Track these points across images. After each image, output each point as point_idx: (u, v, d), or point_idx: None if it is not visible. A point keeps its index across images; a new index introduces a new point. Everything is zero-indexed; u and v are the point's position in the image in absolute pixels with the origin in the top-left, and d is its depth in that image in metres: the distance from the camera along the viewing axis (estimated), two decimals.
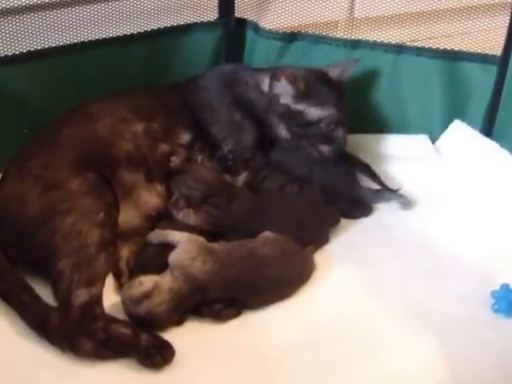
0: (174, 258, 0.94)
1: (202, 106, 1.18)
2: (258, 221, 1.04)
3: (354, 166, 1.19)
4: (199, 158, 1.13)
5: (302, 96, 1.14)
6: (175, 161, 1.11)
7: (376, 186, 1.18)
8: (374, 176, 1.18)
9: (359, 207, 1.15)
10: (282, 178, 1.15)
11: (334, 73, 1.19)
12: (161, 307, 0.89)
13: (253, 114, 1.18)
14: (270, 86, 1.17)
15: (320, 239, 1.07)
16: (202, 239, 0.98)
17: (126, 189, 1.05)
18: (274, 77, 1.15)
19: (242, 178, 1.13)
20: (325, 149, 1.14)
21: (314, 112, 1.14)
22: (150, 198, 1.08)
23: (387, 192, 1.16)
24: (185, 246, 0.95)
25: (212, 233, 1.04)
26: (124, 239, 1.02)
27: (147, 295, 0.89)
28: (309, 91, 1.14)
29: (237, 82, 1.21)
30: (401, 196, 1.15)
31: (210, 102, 1.18)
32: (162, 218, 1.07)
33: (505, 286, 0.96)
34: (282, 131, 1.16)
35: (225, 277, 0.92)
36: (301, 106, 1.15)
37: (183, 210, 1.05)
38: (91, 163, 1.02)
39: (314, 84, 1.15)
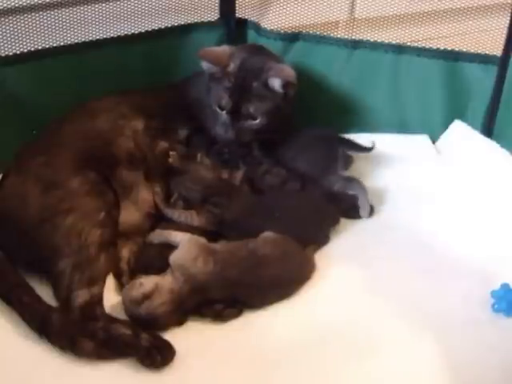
0: (174, 258, 0.94)
1: (197, 103, 1.18)
2: (259, 220, 1.04)
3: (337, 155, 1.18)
4: (198, 155, 1.14)
5: (220, 73, 1.14)
6: (174, 156, 1.11)
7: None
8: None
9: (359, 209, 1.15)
10: (282, 173, 1.15)
11: (273, 81, 1.13)
12: (161, 308, 0.89)
13: None
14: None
15: (320, 239, 1.07)
16: (202, 240, 0.97)
17: (126, 187, 1.05)
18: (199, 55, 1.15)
19: (240, 174, 1.12)
20: (216, 128, 1.15)
21: (214, 91, 1.14)
22: (150, 196, 1.08)
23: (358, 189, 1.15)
24: (186, 247, 0.95)
25: (213, 233, 1.04)
26: (124, 238, 1.02)
27: (148, 296, 0.88)
28: (231, 73, 1.13)
29: None
30: (365, 198, 1.13)
31: (203, 97, 1.18)
32: (162, 216, 1.07)
33: (505, 286, 0.96)
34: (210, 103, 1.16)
35: (226, 277, 0.92)
36: (212, 84, 1.14)
37: (185, 212, 1.05)
38: (91, 162, 1.02)
39: (239, 72, 1.13)
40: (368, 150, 1.19)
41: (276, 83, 1.12)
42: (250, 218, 1.04)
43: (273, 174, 1.15)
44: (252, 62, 1.15)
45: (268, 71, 1.13)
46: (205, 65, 1.16)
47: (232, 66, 1.14)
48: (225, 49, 1.18)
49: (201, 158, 1.13)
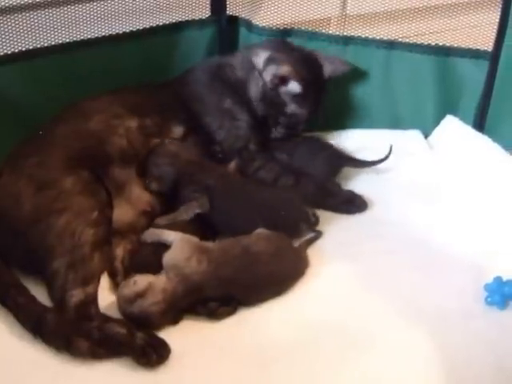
0: (168, 258, 0.94)
1: (193, 99, 1.18)
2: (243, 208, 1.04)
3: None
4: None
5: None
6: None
7: None
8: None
9: (353, 203, 1.15)
10: (276, 168, 1.15)
11: (327, 70, 1.21)
12: (154, 307, 0.88)
13: (243, 99, 1.18)
14: (274, 83, 1.17)
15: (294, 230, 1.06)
16: (195, 238, 0.97)
17: (119, 185, 1.05)
18: (283, 80, 1.17)
19: (233, 165, 1.12)
20: (280, 131, 1.20)
21: (293, 107, 1.17)
22: (143, 193, 1.07)
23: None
24: (179, 246, 0.94)
25: (207, 230, 1.03)
26: (119, 237, 1.02)
27: (140, 295, 0.88)
28: (302, 92, 1.17)
29: (222, 68, 1.22)
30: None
31: (199, 94, 1.19)
32: (157, 213, 1.07)
33: (498, 279, 0.96)
34: (258, 107, 1.19)
35: (220, 276, 0.92)
36: (287, 98, 1.17)
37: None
38: (84, 161, 1.02)
39: (310, 85, 1.17)
40: (376, 163, 1.21)
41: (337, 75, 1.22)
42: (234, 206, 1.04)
43: (266, 170, 1.15)
44: (309, 61, 1.19)
45: (324, 65, 1.20)
46: (294, 87, 1.16)
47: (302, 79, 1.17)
48: (287, 64, 1.17)
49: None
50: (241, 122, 1.18)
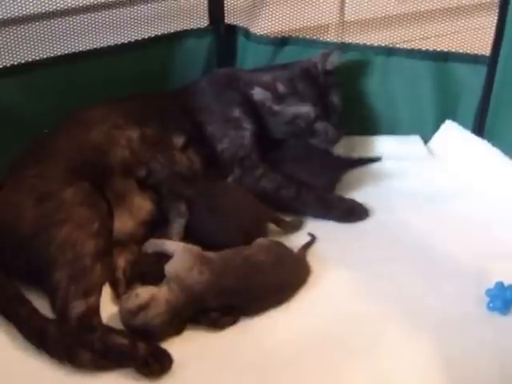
0: (169, 269, 0.94)
1: (199, 109, 1.19)
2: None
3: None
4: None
5: (280, 98, 1.17)
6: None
7: None
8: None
9: (353, 213, 1.15)
10: (278, 178, 1.14)
11: (320, 64, 1.22)
12: (157, 319, 0.88)
13: (252, 111, 1.19)
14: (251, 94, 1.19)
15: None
16: (197, 248, 0.97)
17: (119, 195, 1.05)
18: (249, 86, 1.18)
19: (230, 180, 1.13)
20: (314, 142, 1.18)
21: (290, 110, 1.17)
22: (143, 202, 1.08)
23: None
24: (180, 257, 0.94)
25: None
26: (120, 248, 1.02)
27: (143, 307, 0.88)
28: (288, 92, 1.17)
29: (235, 80, 1.23)
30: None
31: (206, 104, 1.19)
32: (157, 223, 1.07)
33: (499, 284, 0.96)
34: (273, 129, 1.19)
35: (222, 286, 0.92)
36: (279, 107, 1.17)
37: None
38: (85, 172, 1.02)
39: (295, 84, 1.17)
40: (375, 160, 1.21)
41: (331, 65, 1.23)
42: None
43: (269, 179, 1.15)
44: (294, 74, 1.19)
45: (317, 62, 1.21)
46: (261, 93, 1.18)
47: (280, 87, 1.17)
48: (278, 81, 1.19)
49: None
50: (246, 131, 1.18)
